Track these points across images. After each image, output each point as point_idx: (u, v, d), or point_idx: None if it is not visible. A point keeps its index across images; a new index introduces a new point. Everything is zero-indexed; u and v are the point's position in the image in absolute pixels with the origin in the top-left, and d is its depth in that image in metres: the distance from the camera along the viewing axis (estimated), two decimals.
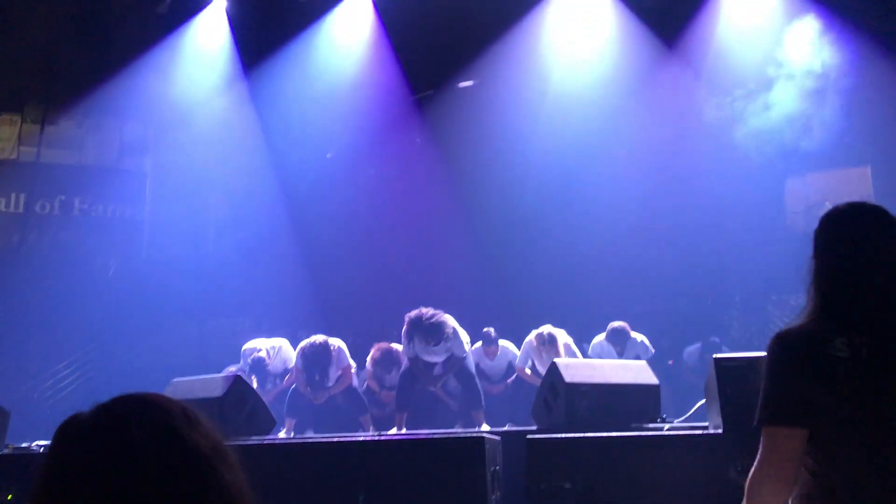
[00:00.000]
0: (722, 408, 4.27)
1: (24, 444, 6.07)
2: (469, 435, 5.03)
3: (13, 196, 13.32)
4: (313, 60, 12.01)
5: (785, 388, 2.00)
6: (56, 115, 13.23)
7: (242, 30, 11.93)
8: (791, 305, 10.79)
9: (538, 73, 11.81)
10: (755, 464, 2.03)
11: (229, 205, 13.25)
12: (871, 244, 2.06)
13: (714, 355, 4.49)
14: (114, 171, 13.69)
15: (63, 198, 13.51)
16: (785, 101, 10.76)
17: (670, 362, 9.70)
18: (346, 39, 12.01)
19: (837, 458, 1.94)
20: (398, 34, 11.92)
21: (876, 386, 1.90)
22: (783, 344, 2.03)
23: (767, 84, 10.84)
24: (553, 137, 11.55)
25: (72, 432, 1.11)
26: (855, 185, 12.98)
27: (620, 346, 8.20)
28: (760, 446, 2.02)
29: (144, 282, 12.07)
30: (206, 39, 11.96)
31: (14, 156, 13.24)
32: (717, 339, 9.31)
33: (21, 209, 13.28)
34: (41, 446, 5.92)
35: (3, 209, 13.13)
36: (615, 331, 8.18)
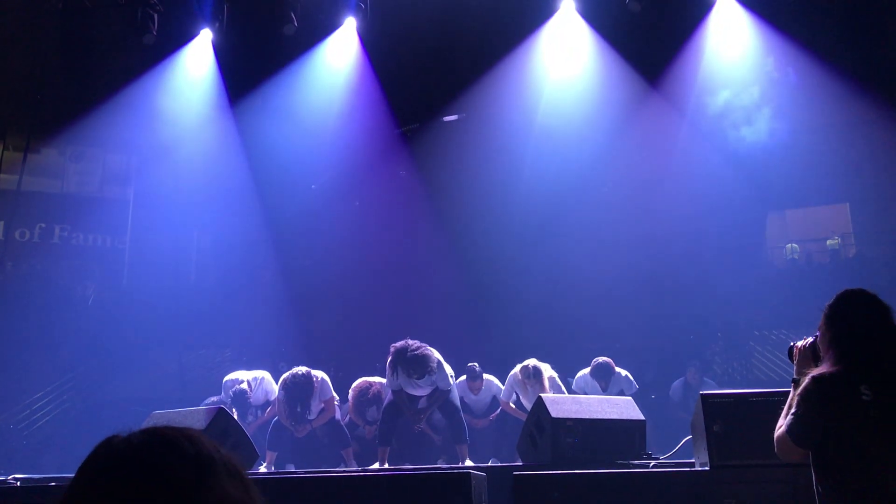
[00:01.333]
0: (708, 444, 4.26)
1: (0, 478, 5.93)
2: (455, 471, 4.98)
3: None
4: (299, 93, 12.07)
5: (810, 421, 2.74)
6: (39, 144, 13.19)
7: (229, 62, 11.97)
8: (772, 340, 10.88)
9: (523, 108, 11.93)
10: (780, 437, 2.85)
11: (212, 235, 13.22)
12: (877, 316, 2.84)
13: (700, 392, 4.49)
14: (96, 199, 13.64)
15: (43, 225, 13.44)
16: (765, 139, 10.93)
17: (653, 396, 9.71)
18: (332, 72, 12.09)
19: (857, 478, 2.67)
20: (384, 68, 12.02)
21: (892, 423, 2.65)
22: (819, 384, 2.75)
23: (747, 122, 11.03)
24: (538, 172, 11.64)
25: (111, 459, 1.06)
26: (834, 221, 13.19)
27: (605, 381, 8.18)
28: (784, 437, 2.83)
29: (124, 311, 11.96)
30: (192, 71, 12.00)
31: None
32: (696, 363, 9.40)
33: (0, 236, 13.17)
34: (18, 479, 5.78)
35: None
36: (600, 366, 8.18)
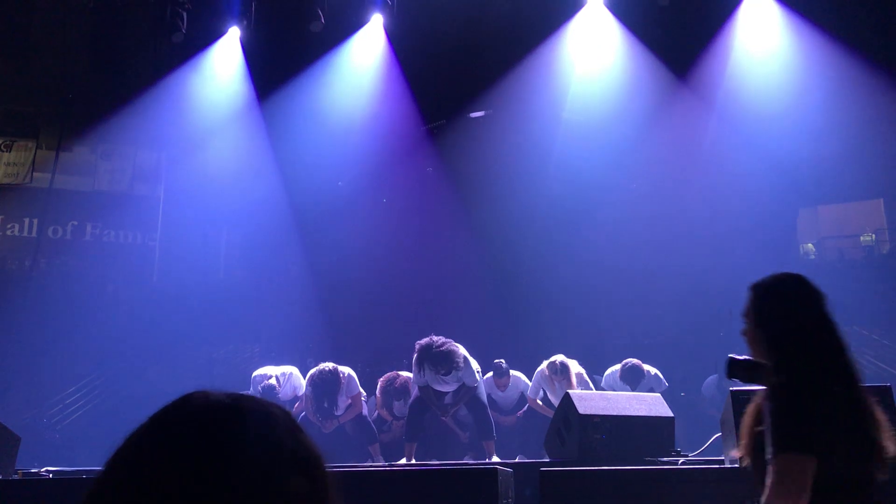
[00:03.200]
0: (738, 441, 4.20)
1: (33, 470, 6.02)
2: (482, 466, 4.97)
3: (26, 221, 13.43)
4: (326, 90, 12.12)
5: (807, 425, 2.20)
6: (71, 142, 13.36)
7: (256, 59, 12.05)
8: None
9: (550, 103, 11.86)
10: (785, 469, 2.17)
11: (241, 231, 13.31)
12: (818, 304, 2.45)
13: (731, 388, 4.43)
14: (126, 197, 13.78)
15: (75, 223, 13.61)
16: (797, 133, 10.76)
17: (682, 394, 9.60)
18: (359, 69, 12.11)
19: (838, 487, 2.21)
20: (410, 65, 12.02)
21: (862, 424, 2.27)
22: (796, 389, 2.26)
23: (779, 116, 10.85)
24: (564, 167, 11.57)
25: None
26: (867, 216, 12.97)
27: (634, 384, 8.08)
28: (779, 474, 2.16)
29: (155, 307, 12.08)
30: (221, 68, 12.09)
31: (28, 181, 13.36)
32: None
33: (34, 234, 13.37)
34: (50, 472, 5.87)
35: (17, 233, 13.23)
36: (629, 369, 8.06)
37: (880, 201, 12.81)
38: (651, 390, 7.89)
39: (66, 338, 11.12)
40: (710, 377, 9.24)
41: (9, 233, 13.24)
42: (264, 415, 1.03)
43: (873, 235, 12.72)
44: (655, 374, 8.32)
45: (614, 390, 8.05)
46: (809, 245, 12.74)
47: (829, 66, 10.46)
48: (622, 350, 8.47)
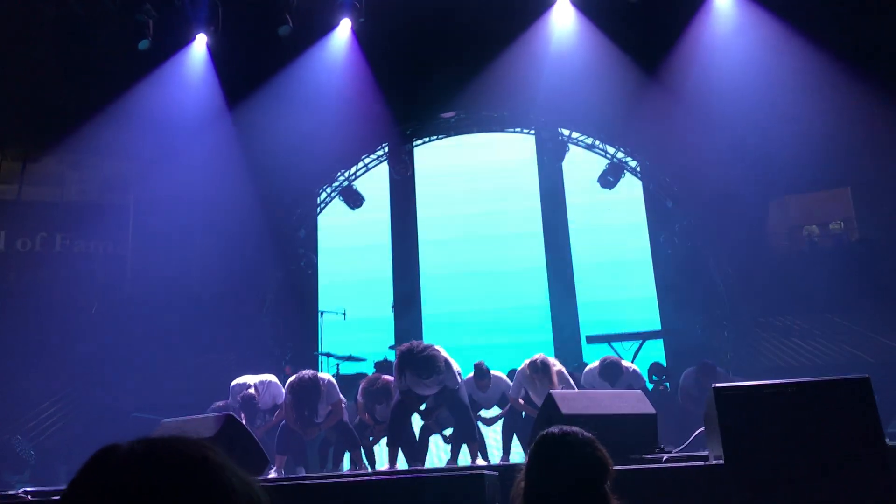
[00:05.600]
0: (723, 437, 4.23)
1: (10, 492, 5.90)
2: (468, 472, 4.95)
3: None
4: (296, 94, 12.02)
5: None
6: (37, 153, 13.13)
7: (225, 65, 11.93)
8: (778, 327, 10.85)
9: (522, 103, 11.88)
10: None
11: (214, 239, 13.16)
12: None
13: (713, 384, 4.45)
14: (96, 207, 13.55)
15: (44, 235, 13.36)
16: (765, 124, 10.88)
17: (661, 388, 9.68)
18: (328, 72, 12.04)
19: None
20: (380, 66, 11.97)
21: None
22: None
23: (747, 109, 10.96)
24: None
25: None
26: (835, 205, 13.12)
27: (613, 381, 8.11)
28: None
29: (128, 319, 11.91)
30: (189, 75, 11.96)
31: None
32: (709, 362, 9.27)
33: (1, 247, 13.12)
34: (28, 492, 5.76)
35: None
36: (607, 366, 8.11)
37: (847, 189, 12.96)
38: (630, 387, 7.94)
39: (39, 352, 10.93)
40: (688, 369, 9.32)
41: None
42: (199, 460, 0.98)
43: (842, 223, 12.86)
44: (634, 370, 8.38)
45: (593, 387, 8.09)
46: (814, 227, 12.70)
47: (795, 58, 10.58)
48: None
